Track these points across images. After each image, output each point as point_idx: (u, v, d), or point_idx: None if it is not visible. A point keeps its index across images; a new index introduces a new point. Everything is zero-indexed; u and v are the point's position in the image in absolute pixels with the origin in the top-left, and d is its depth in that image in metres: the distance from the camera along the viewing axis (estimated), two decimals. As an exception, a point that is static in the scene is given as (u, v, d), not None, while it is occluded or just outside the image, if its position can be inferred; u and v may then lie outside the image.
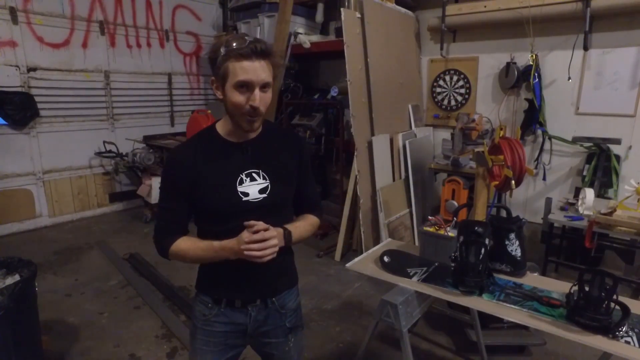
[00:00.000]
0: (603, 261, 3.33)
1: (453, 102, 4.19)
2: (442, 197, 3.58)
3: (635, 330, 1.39)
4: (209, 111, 4.51)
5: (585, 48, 3.29)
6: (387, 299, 1.68)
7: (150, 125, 5.17)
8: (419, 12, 4.25)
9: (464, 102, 4.11)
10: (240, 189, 1.19)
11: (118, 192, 5.05)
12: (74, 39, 4.42)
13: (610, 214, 2.47)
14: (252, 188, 1.20)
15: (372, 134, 3.57)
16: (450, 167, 3.59)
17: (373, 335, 1.91)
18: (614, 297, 1.38)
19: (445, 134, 4.00)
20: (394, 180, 3.74)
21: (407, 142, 3.70)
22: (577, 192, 3.14)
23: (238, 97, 1.09)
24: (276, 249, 1.13)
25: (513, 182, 2.24)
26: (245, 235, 1.10)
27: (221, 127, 1.22)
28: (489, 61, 3.89)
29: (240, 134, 1.20)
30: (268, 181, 1.22)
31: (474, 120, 3.48)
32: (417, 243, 3.48)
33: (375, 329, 1.87)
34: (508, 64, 3.67)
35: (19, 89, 4.06)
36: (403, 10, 4.02)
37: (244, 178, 1.20)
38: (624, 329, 1.38)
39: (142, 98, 5.07)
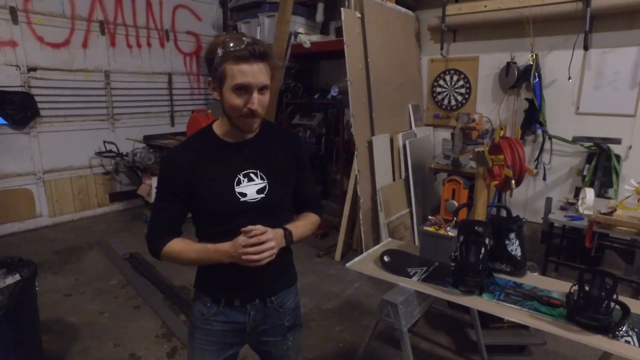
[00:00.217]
0: (603, 261, 3.33)
1: (453, 102, 4.19)
2: (442, 197, 3.57)
3: (635, 329, 1.39)
4: (209, 111, 4.51)
5: (586, 48, 3.29)
6: (387, 298, 1.68)
7: (150, 125, 5.17)
8: (419, 11, 4.25)
9: (464, 101, 4.11)
10: (237, 189, 1.18)
11: (118, 192, 5.05)
12: (74, 39, 4.43)
13: (611, 213, 2.47)
14: (250, 188, 1.20)
15: (372, 134, 3.57)
16: (450, 167, 3.59)
17: (373, 334, 1.91)
18: (614, 296, 1.38)
19: (446, 134, 4.01)
20: (394, 180, 3.74)
21: (407, 141, 3.70)
22: (577, 191, 3.14)
23: (236, 100, 1.09)
24: (274, 251, 1.13)
25: (513, 181, 2.24)
26: (242, 239, 1.09)
27: (218, 128, 1.22)
28: (489, 61, 3.89)
29: (237, 134, 1.20)
30: (266, 181, 1.22)
31: (474, 120, 3.48)
32: (417, 243, 3.48)
33: (376, 328, 1.87)
34: (508, 63, 3.67)
35: (19, 89, 4.06)
36: (403, 10, 4.02)
37: (242, 178, 1.19)
38: (624, 329, 1.38)
39: (142, 98, 5.07)
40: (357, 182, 3.47)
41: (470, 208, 2.59)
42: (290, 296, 1.37)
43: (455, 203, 3.39)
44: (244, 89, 1.08)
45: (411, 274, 1.81)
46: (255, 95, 1.09)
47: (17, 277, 2.03)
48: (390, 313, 1.68)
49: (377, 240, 3.50)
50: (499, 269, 1.85)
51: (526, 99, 3.66)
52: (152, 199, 4.37)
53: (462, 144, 3.46)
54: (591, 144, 3.37)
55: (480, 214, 2.47)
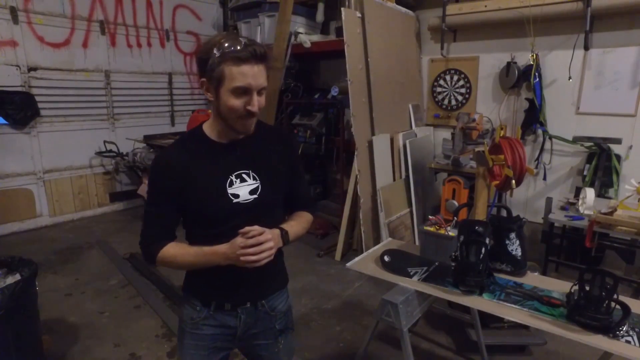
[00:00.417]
0: (603, 261, 3.33)
1: (453, 102, 4.18)
2: (443, 197, 3.57)
3: (636, 329, 1.39)
4: (210, 111, 4.50)
5: (586, 48, 3.29)
6: (388, 298, 1.68)
7: (150, 125, 5.17)
8: (419, 11, 4.25)
9: (464, 101, 4.11)
10: (230, 190, 1.16)
11: (118, 192, 5.05)
12: (75, 39, 4.43)
13: (611, 213, 2.46)
14: (243, 189, 1.18)
15: (373, 134, 3.57)
16: (450, 167, 3.59)
17: (373, 334, 1.91)
18: (615, 296, 1.38)
19: (446, 134, 4.00)
20: (394, 179, 3.74)
21: (407, 141, 3.70)
22: (577, 191, 3.14)
23: (235, 102, 1.07)
24: (273, 251, 1.12)
25: (513, 181, 2.24)
26: (240, 240, 1.08)
27: (209, 128, 1.19)
28: (490, 61, 3.89)
29: (229, 135, 1.18)
30: (258, 181, 1.20)
31: (474, 120, 3.48)
32: (417, 243, 3.48)
33: (376, 328, 1.87)
34: (508, 63, 3.67)
35: (20, 89, 4.06)
36: (403, 9, 4.02)
37: (234, 179, 1.18)
38: (624, 329, 1.38)
39: (142, 98, 5.07)
40: (358, 182, 3.47)
41: (470, 208, 2.59)
42: (281, 299, 1.36)
43: (456, 203, 3.39)
44: (243, 91, 1.06)
45: (411, 273, 1.81)
46: (256, 97, 1.08)
47: (18, 276, 2.03)
48: (391, 313, 1.67)
49: (377, 240, 3.50)
50: (500, 268, 1.85)
51: (526, 99, 3.66)
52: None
53: (463, 144, 3.46)
54: (591, 143, 3.37)
55: (480, 213, 2.47)
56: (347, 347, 2.47)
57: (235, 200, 1.17)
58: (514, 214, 1.94)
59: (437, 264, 1.90)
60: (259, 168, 1.22)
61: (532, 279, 1.80)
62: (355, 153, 3.42)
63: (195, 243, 1.17)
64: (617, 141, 3.15)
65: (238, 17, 5.10)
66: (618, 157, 3.29)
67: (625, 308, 1.36)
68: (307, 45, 4.14)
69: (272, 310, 1.32)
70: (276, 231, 1.18)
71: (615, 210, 2.48)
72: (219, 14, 5.80)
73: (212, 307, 1.24)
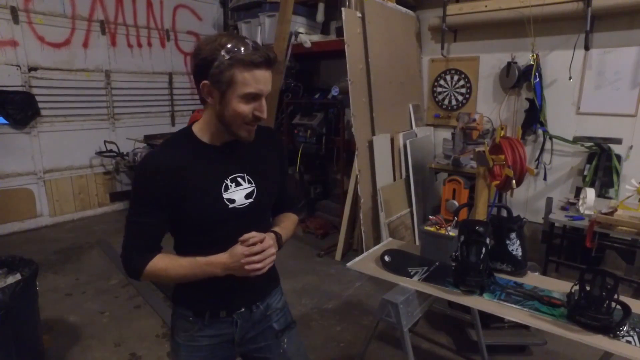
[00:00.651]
0: (604, 261, 3.33)
1: (454, 102, 4.18)
2: (443, 197, 3.57)
3: (637, 329, 1.39)
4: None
5: (587, 48, 3.29)
6: (388, 298, 1.68)
7: (151, 125, 5.17)
8: (419, 11, 4.25)
9: (464, 101, 4.11)
10: (226, 195, 1.11)
11: (119, 192, 5.06)
12: (75, 39, 4.43)
13: (611, 213, 2.46)
14: (238, 194, 1.13)
15: (373, 134, 3.57)
16: (451, 167, 3.59)
17: (374, 334, 1.91)
18: (615, 296, 1.38)
19: (446, 134, 4.01)
20: (394, 179, 3.74)
21: (407, 141, 3.70)
22: (578, 191, 3.14)
23: (244, 108, 1.02)
24: (274, 257, 1.10)
25: (514, 181, 2.24)
26: (242, 249, 1.04)
27: (200, 130, 1.12)
28: (490, 61, 3.89)
29: (222, 137, 1.12)
30: (254, 185, 1.16)
31: (474, 120, 3.48)
32: (417, 243, 3.49)
33: (376, 328, 1.87)
34: (509, 63, 3.67)
35: (20, 89, 4.07)
36: (404, 9, 4.02)
37: (229, 184, 1.12)
38: (624, 329, 1.38)
39: (142, 98, 5.08)
40: (358, 182, 3.47)
41: (471, 208, 2.59)
42: (275, 297, 1.33)
43: (456, 203, 3.39)
44: (253, 97, 1.02)
45: (412, 273, 1.81)
46: (264, 102, 1.05)
47: (18, 276, 2.04)
48: (391, 313, 1.67)
49: (377, 240, 3.50)
50: (500, 268, 1.85)
51: (527, 99, 3.66)
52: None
53: (463, 144, 3.46)
54: (592, 144, 3.37)
55: (481, 213, 2.47)
56: (347, 347, 2.48)
57: (231, 206, 1.11)
58: (515, 214, 1.94)
59: (437, 264, 1.90)
60: (254, 170, 1.17)
61: (533, 279, 1.80)
62: (356, 153, 3.42)
63: (185, 252, 1.11)
64: (618, 141, 3.15)
65: (238, 17, 5.10)
66: (618, 157, 3.29)
67: (626, 308, 1.36)
68: (308, 45, 4.14)
69: (267, 309, 1.29)
70: (272, 235, 1.15)
71: (616, 210, 2.48)
72: (219, 14, 5.80)
73: (206, 317, 1.18)
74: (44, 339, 2.29)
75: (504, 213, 2.07)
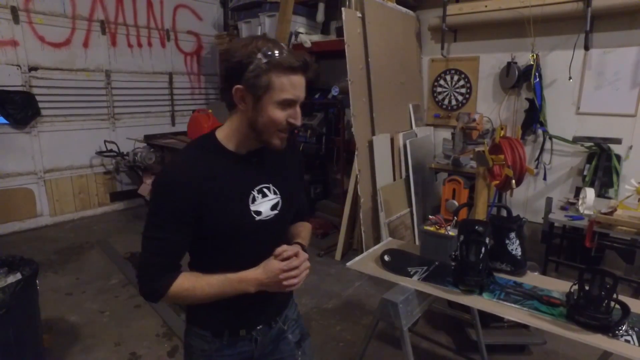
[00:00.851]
0: (603, 261, 3.33)
1: (454, 102, 4.19)
2: (443, 197, 3.58)
3: (635, 329, 1.39)
4: (210, 110, 4.51)
5: (586, 48, 3.29)
6: (388, 297, 1.68)
7: (151, 125, 5.18)
8: (419, 11, 4.25)
9: (464, 101, 4.11)
10: (253, 207, 1.04)
11: (119, 192, 5.06)
12: (75, 39, 4.43)
13: (611, 213, 2.47)
14: (264, 205, 1.07)
15: (373, 134, 3.57)
16: (450, 167, 3.59)
17: (373, 334, 1.91)
18: (614, 296, 1.38)
19: (446, 134, 4.01)
20: (394, 179, 3.75)
21: (407, 141, 3.70)
22: (577, 191, 3.14)
23: (280, 114, 0.97)
24: (308, 270, 1.05)
25: (513, 181, 2.25)
26: (278, 264, 1.00)
27: (225, 138, 1.04)
28: (490, 61, 3.89)
29: (248, 145, 1.05)
30: (279, 195, 1.10)
31: (474, 120, 3.48)
32: (417, 242, 3.49)
33: (376, 327, 1.88)
34: (509, 63, 3.67)
35: (20, 89, 4.07)
36: (404, 9, 4.02)
37: (256, 195, 1.06)
38: (623, 328, 1.39)
39: (143, 97, 5.08)
40: (358, 182, 3.47)
41: (470, 208, 2.60)
42: (291, 308, 1.29)
43: (456, 203, 3.40)
44: (289, 103, 0.97)
45: (411, 273, 1.81)
46: (299, 109, 1.00)
47: (19, 275, 2.04)
48: (391, 312, 1.68)
49: (377, 239, 3.50)
50: (500, 268, 1.85)
51: (527, 99, 3.66)
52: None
53: (463, 144, 3.46)
54: (592, 144, 3.38)
55: (480, 213, 2.47)
56: (347, 347, 2.48)
57: (258, 218, 1.05)
58: (514, 213, 1.95)
59: (437, 263, 1.90)
60: (278, 180, 1.11)
61: (532, 279, 1.80)
62: (356, 153, 3.42)
63: (204, 270, 1.03)
64: (617, 141, 3.15)
65: (239, 17, 5.10)
66: (618, 157, 3.29)
67: (625, 307, 1.37)
68: (308, 45, 4.15)
69: (285, 322, 1.24)
70: (298, 247, 1.10)
71: (615, 210, 2.48)
72: (219, 13, 5.81)
73: (225, 336, 1.12)
74: (44, 338, 2.29)
75: (504, 213, 2.08)
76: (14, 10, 3.95)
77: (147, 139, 4.89)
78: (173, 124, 5.45)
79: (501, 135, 2.27)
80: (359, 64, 3.47)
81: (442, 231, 1.98)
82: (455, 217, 2.03)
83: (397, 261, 1.90)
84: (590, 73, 3.40)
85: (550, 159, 3.68)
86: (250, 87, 0.95)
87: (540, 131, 3.66)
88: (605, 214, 2.49)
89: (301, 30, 4.31)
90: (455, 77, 4.13)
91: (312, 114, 4.31)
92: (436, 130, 4.35)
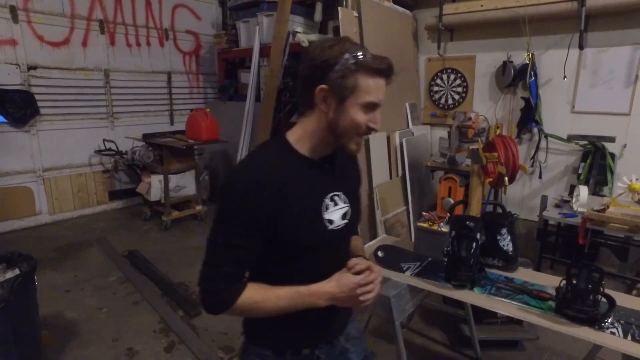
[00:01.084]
0: (598, 258, 3.35)
1: (450, 101, 4.21)
2: (439, 195, 3.59)
3: (621, 321, 1.42)
4: (208, 110, 4.54)
5: (581, 47, 3.31)
6: (381, 292, 1.71)
7: (149, 124, 5.20)
8: (416, 11, 4.28)
9: (461, 100, 4.13)
10: (326, 215, 1.00)
11: (117, 190, 5.08)
12: (74, 38, 4.46)
13: (603, 210, 2.49)
14: (336, 214, 1.02)
15: (370, 132, 3.59)
16: (446, 165, 3.61)
17: (367, 328, 1.94)
18: (601, 289, 1.41)
19: (443, 132, 4.03)
20: (390, 178, 3.77)
21: (404, 140, 3.72)
22: (572, 189, 3.17)
23: (362, 117, 0.93)
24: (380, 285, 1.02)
25: (506, 178, 2.28)
26: (355, 278, 0.96)
27: (298, 142, 0.99)
28: (486, 60, 3.92)
29: (322, 151, 1.00)
30: (348, 204, 1.05)
31: (470, 119, 3.50)
32: (413, 240, 3.51)
33: (369, 321, 1.90)
34: (505, 62, 3.70)
35: (19, 87, 4.09)
36: (400, 9, 4.04)
37: (328, 202, 1.01)
38: (609, 320, 1.41)
39: (141, 97, 5.11)
40: (354, 180, 3.49)
41: (466, 205, 2.62)
42: (352, 324, 1.22)
43: (451, 201, 3.41)
44: (372, 106, 0.94)
45: (404, 268, 1.84)
46: (379, 114, 0.97)
47: (17, 271, 2.06)
48: (384, 306, 1.70)
49: (373, 237, 3.52)
50: (491, 264, 1.88)
51: (522, 98, 3.68)
52: (151, 196, 4.44)
53: (459, 143, 3.48)
54: (586, 142, 3.40)
55: (475, 210, 2.50)
56: (342, 343, 2.50)
57: (330, 227, 1.00)
58: (516, 214, 1.96)
59: (430, 259, 1.93)
60: (347, 188, 1.07)
61: (523, 274, 1.83)
62: (352, 151, 3.44)
63: (269, 281, 0.98)
64: (611, 139, 3.18)
65: (237, 17, 5.13)
66: (612, 155, 3.31)
67: (611, 300, 1.39)
68: (305, 44, 4.17)
69: (347, 340, 1.18)
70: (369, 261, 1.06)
71: (608, 207, 2.51)
72: (218, 13, 5.83)
73: (287, 355, 1.06)
74: (43, 334, 2.32)
75: (500, 210, 2.11)
76: (12, 10, 3.97)
77: (146, 137, 4.91)
78: (172, 123, 5.47)
79: (497, 133, 2.29)
80: (356, 63, 3.48)
81: (435, 227, 2.01)
82: (448, 214, 2.06)
83: (391, 257, 1.93)
84: (585, 72, 3.43)
85: (546, 158, 3.70)
86: (335, 87, 0.91)
87: (535, 130, 3.68)
88: (597, 211, 2.52)
89: (299, 29, 4.33)
90: (452, 76, 4.16)
91: (310, 113, 4.33)
92: (433, 129, 4.37)
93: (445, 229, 1.95)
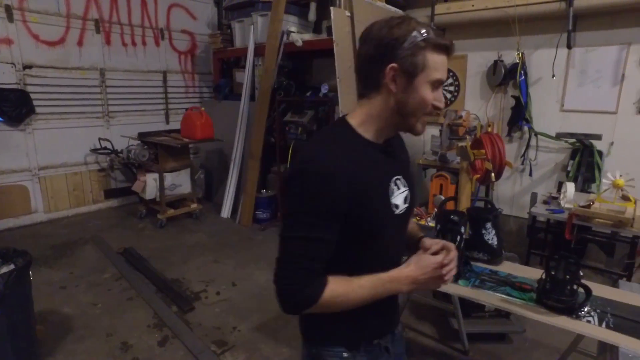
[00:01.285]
0: (586, 254, 3.41)
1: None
2: (430, 192, 3.64)
3: (597, 310, 1.47)
4: (203, 109, 4.57)
5: (569, 46, 3.36)
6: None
7: (145, 123, 5.22)
8: (409, 10, 4.32)
9: (453, 99, 4.18)
10: (392, 200, 0.98)
11: (113, 189, 5.11)
12: (70, 37, 4.48)
13: (589, 206, 2.55)
14: (399, 197, 1.00)
15: (362, 131, 3.63)
16: (438, 163, 3.66)
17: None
18: (578, 280, 1.46)
19: (435, 131, 4.07)
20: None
21: (396, 138, 3.76)
22: (560, 186, 3.22)
23: (430, 95, 0.91)
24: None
25: (493, 174, 2.33)
26: (434, 258, 0.95)
27: (361, 125, 0.96)
28: (477, 59, 3.97)
29: (385, 134, 0.99)
30: (407, 187, 1.03)
31: (461, 117, 3.56)
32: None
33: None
34: (495, 61, 3.75)
35: (15, 86, 4.11)
36: (393, 9, 4.08)
37: (393, 186, 0.98)
38: (586, 309, 1.46)
39: (137, 96, 5.14)
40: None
41: (457, 202, 2.67)
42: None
43: (442, 197, 3.46)
44: (438, 84, 0.92)
45: (391, 261, 1.88)
46: (442, 92, 0.95)
47: (12, 266, 2.09)
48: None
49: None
50: (477, 257, 1.93)
51: (513, 96, 3.74)
52: (147, 195, 4.47)
53: (450, 140, 3.53)
54: (575, 140, 3.46)
55: (464, 206, 2.55)
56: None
57: (396, 212, 0.98)
58: (501, 209, 2.02)
59: (416, 253, 1.97)
60: (405, 171, 1.05)
61: (507, 267, 1.88)
62: (345, 149, 3.47)
63: (341, 271, 0.93)
64: (597, 137, 3.24)
65: (232, 16, 5.16)
66: (600, 153, 3.37)
67: (588, 290, 1.44)
68: (299, 44, 4.21)
69: (400, 331, 1.18)
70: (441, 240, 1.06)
71: (593, 203, 2.56)
72: (213, 13, 5.86)
73: (360, 348, 1.03)
74: (38, 329, 2.34)
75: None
76: (8, 9, 3.99)
77: (141, 136, 4.93)
78: (167, 121, 5.50)
79: (488, 131, 2.34)
80: (348, 62, 3.53)
81: (423, 222, 2.05)
82: (436, 210, 2.11)
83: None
84: (573, 71, 3.48)
85: (536, 155, 3.76)
86: (405, 65, 0.89)
87: (526, 128, 3.74)
88: (583, 207, 2.57)
89: (293, 29, 4.37)
90: (444, 75, 4.20)
91: (303, 112, 4.37)
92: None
93: (432, 223, 2.00)
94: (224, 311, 2.84)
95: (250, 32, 4.72)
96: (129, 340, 2.48)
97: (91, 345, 2.45)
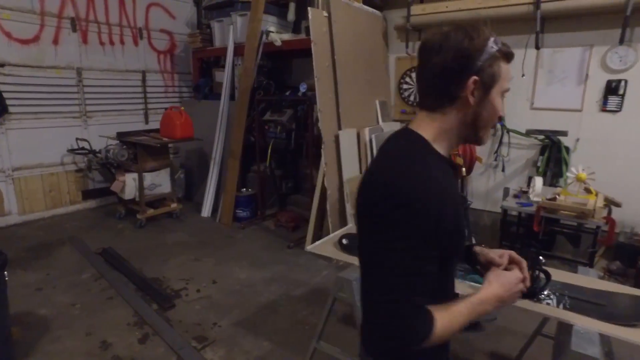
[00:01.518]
0: (555, 246, 3.56)
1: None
2: (408, 189, 3.74)
3: (557, 293, 1.57)
4: (182, 108, 4.57)
5: (537, 47, 3.51)
6: (343, 275, 1.81)
7: (124, 123, 5.17)
8: (386, 11, 4.42)
9: (429, 98, 4.29)
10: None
11: (91, 189, 5.04)
12: (44, 35, 4.41)
13: (554, 199, 2.67)
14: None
15: (340, 129, 3.70)
16: (415, 160, 3.75)
17: (331, 311, 2.04)
18: (539, 266, 1.55)
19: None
20: (360, 172, 3.89)
21: (373, 136, 3.85)
22: (529, 181, 3.36)
23: (500, 105, 0.90)
24: None
25: (463, 169, 2.42)
26: (516, 274, 0.96)
27: (436, 140, 0.91)
28: (452, 59, 4.08)
29: (452, 148, 0.96)
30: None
31: (436, 115, 3.65)
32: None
33: (333, 304, 2.00)
34: (469, 61, 3.87)
35: (-13, 85, 4.03)
36: (370, 9, 4.17)
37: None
38: (546, 293, 1.56)
39: (116, 95, 5.09)
40: (325, 174, 3.60)
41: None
42: None
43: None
44: (504, 94, 0.91)
45: (366, 253, 1.94)
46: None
47: (-14, 266, 2.07)
48: (345, 289, 1.81)
49: (345, 230, 3.64)
50: (447, 248, 2.00)
51: (486, 95, 3.86)
52: (126, 195, 4.43)
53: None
54: (544, 137, 3.61)
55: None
56: (311, 329, 2.59)
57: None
58: (475, 204, 2.10)
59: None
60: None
61: (476, 256, 1.96)
62: (322, 146, 3.54)
63: (424, 295, 0.86)
64: (564, 134, 3.39)
65: (211, 16, 5.17)
66: (567, 149, 3.53)
67: (547, 275, 1.53)
68: (278, 43, 4.25)
69: None
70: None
71: (558, 196, 2.69)
72: (192, 12, 5.85)
73: None
74: (13, 330, 2.31)
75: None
76: (-21, 6, 3.91)
77: (120, 136, 4.88)
78: (146, 121, 5.46)
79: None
80: (325, 61, 3.59)
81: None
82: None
83: (355, 244, 2.03)
84: (541, 71, 3.63)
85: (508, 152, 3.90)
86: (485, 77, 0.85)
87: (498, 125, 3.87)
88: (550, 200, 2.70)
89: (272, 29, 4.41)
90: (420, 75, 4.31)
91: (282, 111, 4.42)
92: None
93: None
94: (204, 308, 2.86)
95: (230, 31, 4.74)
96: (108, 339, 2.48)
97: (70, 345, 2.43)
